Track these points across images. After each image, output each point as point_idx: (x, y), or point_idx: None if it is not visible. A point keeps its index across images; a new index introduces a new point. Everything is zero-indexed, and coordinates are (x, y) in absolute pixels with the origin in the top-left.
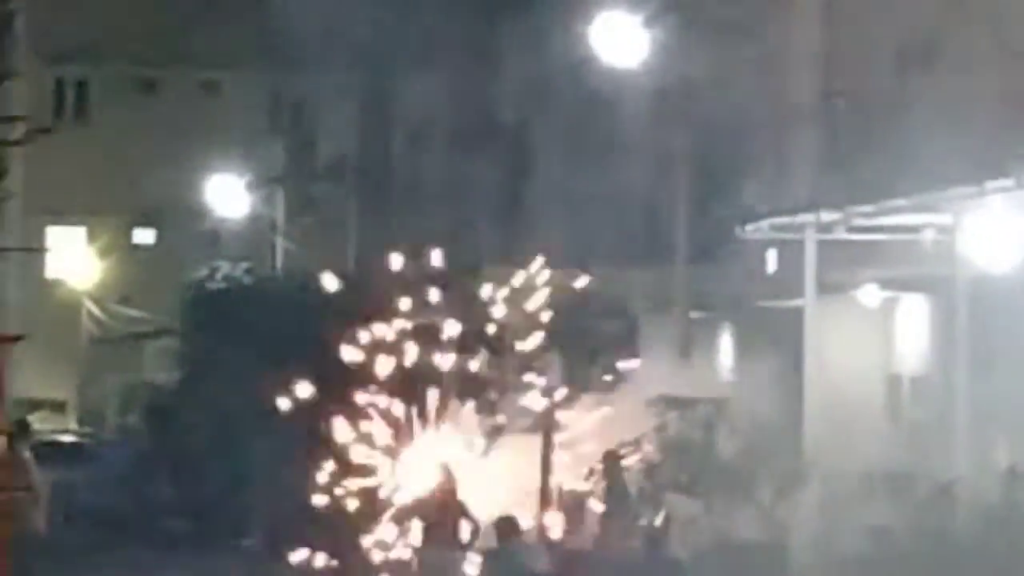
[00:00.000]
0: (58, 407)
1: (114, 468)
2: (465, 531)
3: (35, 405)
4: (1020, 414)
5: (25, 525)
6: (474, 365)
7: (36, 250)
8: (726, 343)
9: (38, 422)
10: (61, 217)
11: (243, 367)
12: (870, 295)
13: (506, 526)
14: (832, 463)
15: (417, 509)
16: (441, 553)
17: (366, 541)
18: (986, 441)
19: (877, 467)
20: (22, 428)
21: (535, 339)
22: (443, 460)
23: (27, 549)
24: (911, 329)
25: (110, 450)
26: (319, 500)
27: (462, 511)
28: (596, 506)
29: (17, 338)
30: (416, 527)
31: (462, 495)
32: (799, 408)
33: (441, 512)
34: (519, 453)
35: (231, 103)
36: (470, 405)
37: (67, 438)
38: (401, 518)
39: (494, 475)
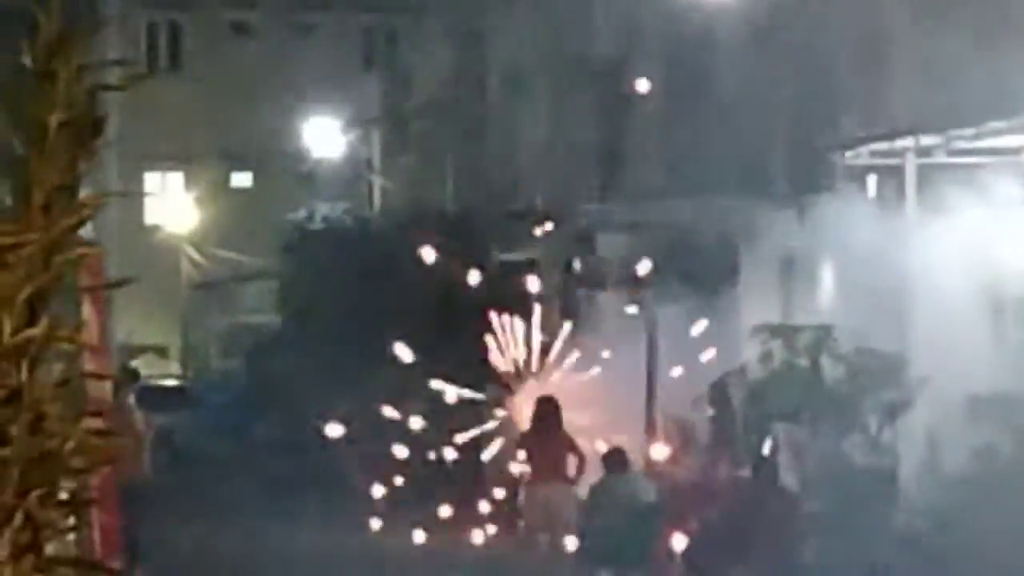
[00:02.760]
0: (160, 352)
1: (217, 412)
2: (571, 464)
3: (137, 350)
4: None
5: (131, 471)
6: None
7: (137, 194)
8: (829, 270)
9: (141, 367)
10: (158, 163)
11: (346, 308)
12: (971, 217)
13: (613, 458)
14: (937, 386)
15: (523, 443)
16: (548, 487)
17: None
18: None
19: (983, 389)
20: (127, 374)
21: (642, 267)
22: (547, 393)
23: (134, 494)
24: (1014, 250)
25: (212, 394)
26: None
27: (568, 444)
28: (703, 435)
29: (119, 283)
30: (522, 461)
31: (567, 427)
32: (904, 333)
33: (547, 445)
34: (625, 383)
35: (325, 44)
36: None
37: (169, 382)
38: (508, 454)
39: (600, 405)
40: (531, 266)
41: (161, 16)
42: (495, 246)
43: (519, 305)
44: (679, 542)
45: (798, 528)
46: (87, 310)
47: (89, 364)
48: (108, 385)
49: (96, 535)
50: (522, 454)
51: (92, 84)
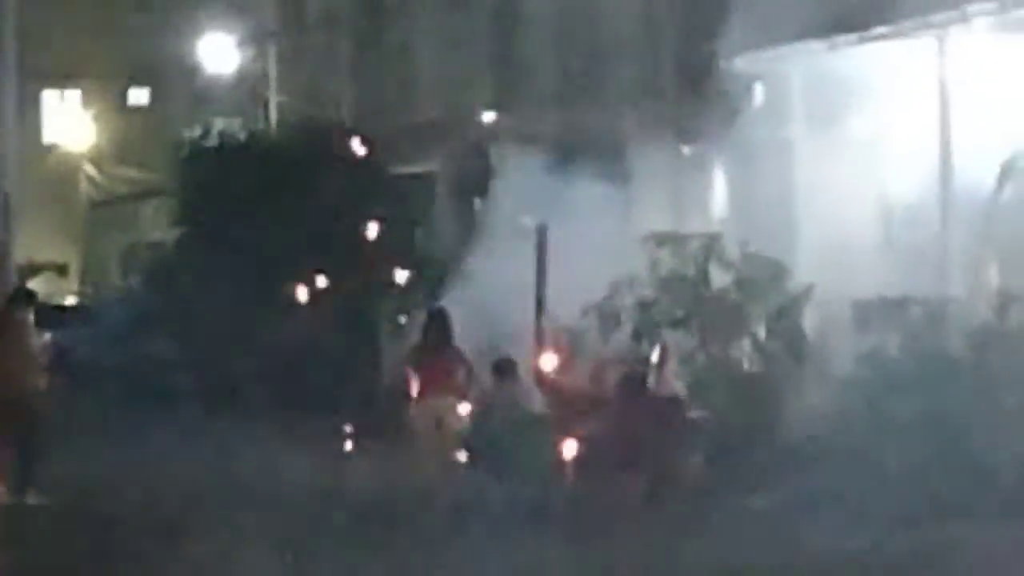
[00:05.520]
0: (60, 270)
1: (116, 328)
2: (460, 375)
3: (37, 269)
4: (1013, 236)
5: (26, 387)
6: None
7: None
8: (717, 178)
9: (41, 285)
10: (55, 81)
11: (239, 223)
12: (860, 125)
13: (502, 368)
14: (825, 292)
15: (412, 357)
16: (435, 400)
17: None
18: (978, 263)
19: (870, 294)
20: (22, 295)
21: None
22: (434, 306)
23: (28, 415)
24: (903, 156)
25: (112, 310)
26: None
27: (458, 356)
28: (592, 344)
29: None
30: (410, 375)
31: (454, 340)
32: (792, 240)
33: (436, 358)
34: (512, 296)
35: None
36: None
37: (70, 300)
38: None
39: (489, 316)
40: (428, 179)
41: None
42: (391, 159)
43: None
44: (569, 450)
45: (686, 434)
46: None
47: None
48: None
49: None
50: (412, 368)
51: None
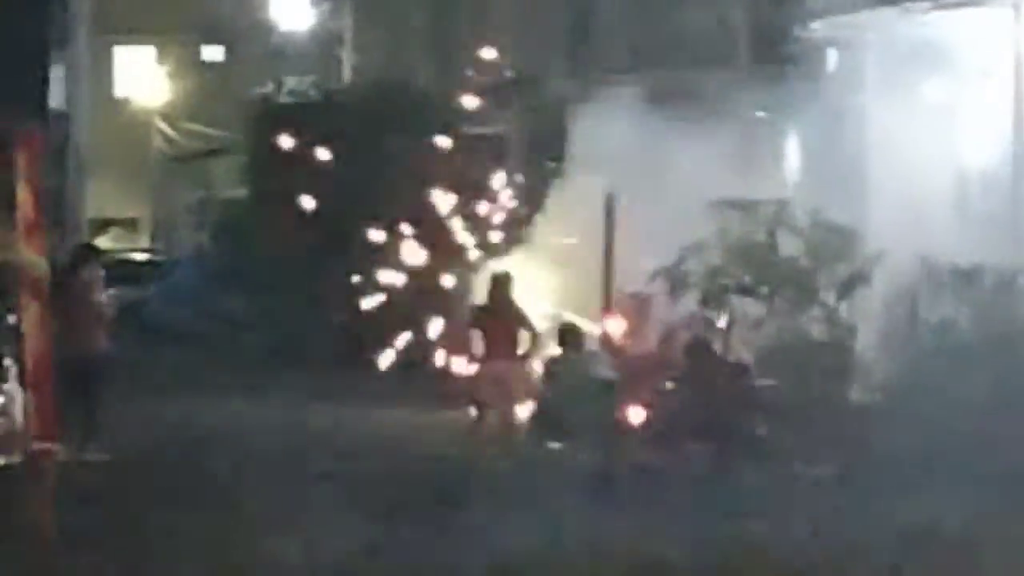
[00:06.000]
0: (130, 225)
1: (186, 285)
2: (524, 340)
3: (107, 223)
4: None
5: (91, 346)
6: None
7: None
8: (790, 144)
9: (111, 241)
10: (129, 36)
11: (311, 181)
12: (934, 92)
13: (567, 333)
14: (897, 260)
15: (476, 320)
16: (501, 363)
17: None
18: None
19: (943, 262)
20: (86, 250)
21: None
22: (499, 269)
23: (92, 370)
24: (977, 125)
25: (182, 267)
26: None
27: (520, 319)
28: (660, 310)
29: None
30: (476, 337)
31: (520, 303)
32: (864, 207)
33: (499, 321)
34: (580, 261)
35: None
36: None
37: (140, 256)
38: (459, 330)
39: (555, 283)
40: (500, 141)
41: None
42: (463, 120)
43: (484, 180)
44: (636, 416)
45: (754, 402)
46: (22, 191)
47: (24, 244)
48: (43, 263)
49: (32, 415)
50: (475, 330)
51: None
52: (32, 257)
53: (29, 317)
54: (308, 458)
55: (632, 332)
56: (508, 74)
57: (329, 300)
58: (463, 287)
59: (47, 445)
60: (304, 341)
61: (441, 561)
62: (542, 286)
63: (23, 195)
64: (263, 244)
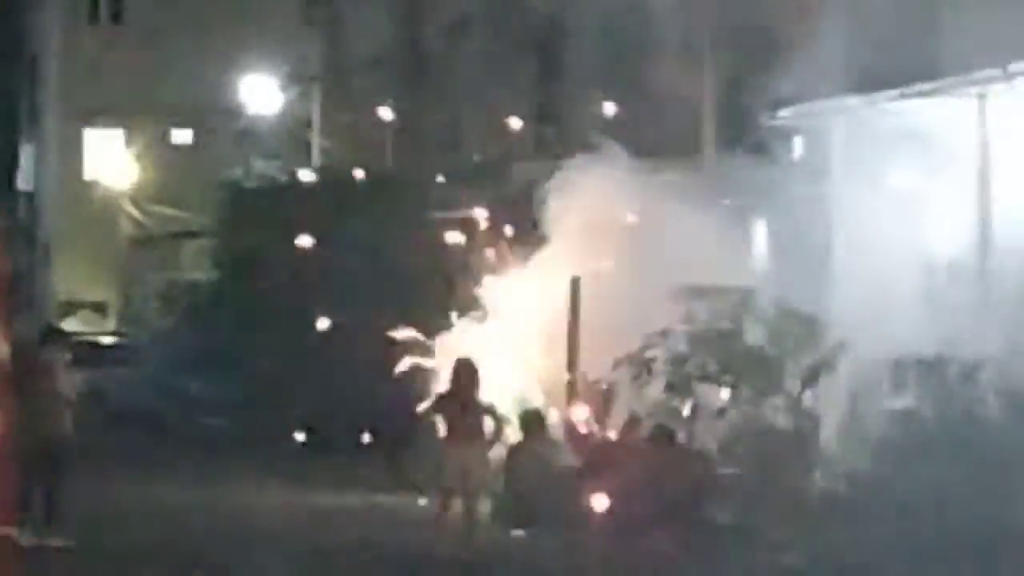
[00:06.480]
0: (98, 308)
1: (153, 369)
2: (488, 426)
3: (75, 306)
4: None
5: (54, 429)
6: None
7: None
8: (756, 231)
9: (79, 324)
10: (98, 119)
11: (277, 264)
12: (900, 181)
13: (531, 421)
14: (862, 350)
15: (439, 406)
16: (464, 449)
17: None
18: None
19: (908, 353)
20: (52, 333)
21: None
22: (464, 356)
23: (55, 456)
24: (943, 213)
25: (150, 350)
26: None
27: (485, 406)
28: (624, 397)
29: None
30: (439, 424)
31: (484, 389)
32: (830, 296)
33: (463, 407)
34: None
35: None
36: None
37: (107, 339)
38: (425, 416)
39: (519, 368)
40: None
41: None
42: (430, 205)
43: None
44: (599, 503)
45: (715, 490)
46: None
47: None
48: (4, 349)
49: None
50: (439, 416)
51: None
52: None
53: None
54: (256, 544)
55: (596, 418)
56: (476, 158)
57: (293, 384)
58: (427, 375)
59: (5, 529)
60: (266, 425)
61: None
62: (507, 372)
63: None
64: (229, 327)
